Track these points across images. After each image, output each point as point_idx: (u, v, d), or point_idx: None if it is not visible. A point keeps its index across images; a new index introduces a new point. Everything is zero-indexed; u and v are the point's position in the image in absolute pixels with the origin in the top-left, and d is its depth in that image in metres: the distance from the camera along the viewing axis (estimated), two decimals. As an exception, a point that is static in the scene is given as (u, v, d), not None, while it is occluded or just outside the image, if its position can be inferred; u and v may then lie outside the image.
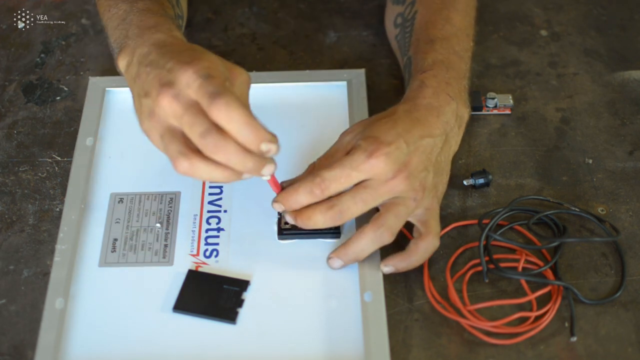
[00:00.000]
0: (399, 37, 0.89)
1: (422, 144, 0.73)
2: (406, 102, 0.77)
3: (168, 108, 0.66)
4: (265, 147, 0.65)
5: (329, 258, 0.75)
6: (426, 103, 0.76)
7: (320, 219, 0.72)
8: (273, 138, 0.65)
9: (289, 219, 0.74)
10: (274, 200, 0.73)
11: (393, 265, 0.74)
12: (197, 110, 0.65)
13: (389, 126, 0.73)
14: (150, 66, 0.69)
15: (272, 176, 0.71)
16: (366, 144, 0.72)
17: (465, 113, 0.79)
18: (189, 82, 0.65)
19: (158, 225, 0.79)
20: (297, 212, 0.73)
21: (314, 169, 0.75)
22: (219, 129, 0.65)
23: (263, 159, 0.66)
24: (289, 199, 0.72)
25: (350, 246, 0.73)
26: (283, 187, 0.74)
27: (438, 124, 0.75)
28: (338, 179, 0.71)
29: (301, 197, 0.72)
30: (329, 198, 0.72)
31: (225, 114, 0.64)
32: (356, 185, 0.72)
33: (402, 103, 0.77)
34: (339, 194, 0.72)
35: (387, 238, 0.73)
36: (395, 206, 0.72)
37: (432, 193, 0.74)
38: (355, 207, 0.72)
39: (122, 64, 0.74)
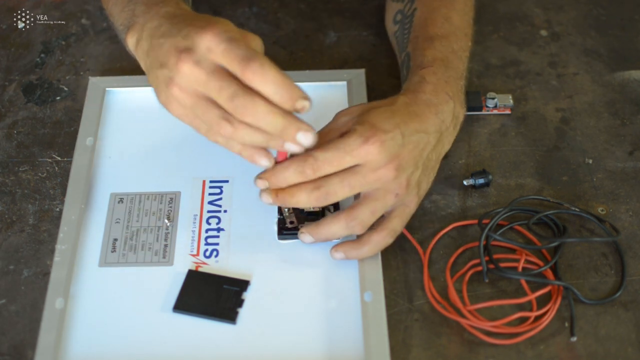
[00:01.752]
0: (398, 33, 0.89)
1: (416, 139, 0.73)
2: (406, 94, 0.76)
3: (190, 74, 0.65)
4: (300, 104, 0.66)
5: (300, 232, 0.75)
6: (426, 99, 0.76)
7: (304, 198, 0.71)
8: (306, 95, 0.66)
9: (266, 198, 0.72)
10: (258, 176, 0.71)
11: (344, 252, 0.74)
12: (223, 74, 0.65)
13: (388, 115, 0.73)
14: (164, 37, 0.68)
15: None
16: (363, 129, 0.71)
17: (461, 114, 0.79)
18: (210, 46, 0.65)
19: (167, 221, 0.79)
20: (279, 189, 0.72)
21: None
22: (248, 90, 0.65)
23: (296, 122, 0.66)
24: (277, 175, 0.71)
25: (322, 227, 0.74)
26: None
27: (435, 121, 0.75)
28: (331, 161, 0.70)
29: (291, 175, 0.70)
30: (312, 180, 0.71)
31: (260, 77, 0.64)
32: (346, 169, 0.71)
33: (403, 94, 0.77)
34: (327, 176, 0.71)
35: (358, 230, 0.73)
36: (373, 200, 0.72)
37: (415, 191, 0.74)
38: (342, 190, 0.71)
39: (131, 41, 0.73)
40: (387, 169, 0.71)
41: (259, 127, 0.66)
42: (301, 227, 0.75)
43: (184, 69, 0.66)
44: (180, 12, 0.71)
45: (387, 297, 0.74)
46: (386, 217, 0.74)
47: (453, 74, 0.79)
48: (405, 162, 0.72)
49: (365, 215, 0.73)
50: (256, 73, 0.64)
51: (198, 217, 0.80)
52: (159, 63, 0.68)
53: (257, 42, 0.69)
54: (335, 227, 0.73)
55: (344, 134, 0.72)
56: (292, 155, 0.71)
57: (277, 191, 0.72)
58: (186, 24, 0.67)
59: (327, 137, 0.73)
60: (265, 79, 0.65)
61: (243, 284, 0.75)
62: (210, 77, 0.65)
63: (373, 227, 0.74)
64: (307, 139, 0.67)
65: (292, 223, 0.78)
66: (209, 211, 0.80)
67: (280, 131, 0.66)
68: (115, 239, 0.78)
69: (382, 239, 0.74)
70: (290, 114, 0.67)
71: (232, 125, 0.66)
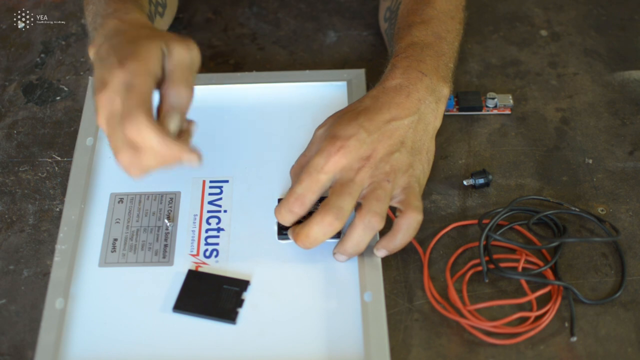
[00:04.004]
0: (387, 30, 0.89)
1: (387, 129, 0.74)
2: (375, 88, 0.78)
3: (101, 110, 0.68)
4: (187, 162, 0.68)
5: (334, 254, 0.76)
6: (395, 84, 0.77)
7: (320, 231, 0.72)
8: (191, 152, 0.68)
9: (292, 239, 0.75)
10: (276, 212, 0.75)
11: (383, 247, 0.74)
12: (116, 122, 0.67)
13: (351, 119, 0.74)
14: (100, 61, 0.70)
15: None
16: (325, 144, 0.73)
17: (443, 88, 0.78)
18: (116, 88, 0.67)
19: (167, 221, 0.79)
20: (295, 235, 0.74)
21: (293, 171, 0.78)
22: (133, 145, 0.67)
23: (179, 153, 0.68)
24: (277, 217, 0.75)
25: (346, 242, 0.74)
26: None
27: (408, 104, 0.76)
28: (310, 188, 0.73)
29: (286, 216, 0.74)
30: (320, 209, 0.72)
31: (136, 135, 0.66)
32: (333, 186, 0.73)
33: (372, 90, 0.78)
34: (325, 200, 0.73)
35: (377, 223, 0.73)
36: (372, 192, 0.73)
37: (408, 172, 0.74)
38: (345, 202, 0.72)
39: (91, 56, 0.74)
40: (365, 168, 0.73)
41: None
42: (333, 251, 0.76)
43: (98, 103, 0.68)
44: (122, 29, 0.72)
45: (387, 297, 0.74)
46: (400, 204, 0.74)
47: (430, 53, 0.79)
48: (381, 155, 0.73)
49: (373, 204, 0.72)
50: (132, 132, 0.66)
51: (198, 217, 0.80)
52: (95, 87, 0.69)
53: (181, 56, 0.69)
54: (356, 233, 0.73)
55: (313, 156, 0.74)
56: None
57: (294, 236, 0.74)
58: (115, 51, 0.69)
59: (308, 153, 0.76)
60: (142, 137, 0.66)
61: (243, 284, 0.75)
62: (108, 122, 0.68)
63: (397, 216, 0.74)
64: (193, 162, 0.69)
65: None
66: (209, 211, 0.80)
67: (169, 164, 0.68)
68: (115, 239, 0.78)
69: (411, 219, 0.73)
70: (172, 145, 0.67)
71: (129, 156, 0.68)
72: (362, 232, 0.73)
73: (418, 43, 0.80)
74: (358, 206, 0.74)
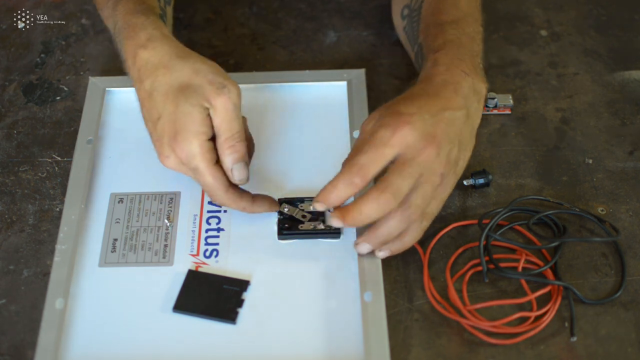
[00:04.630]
0: (407, 28, 0.89)
1: (444, 116, 0.72)
2: (421, 82, 0.76)
3: (176, 168, 0.76)
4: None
5: (356, 244, 0.74)
6: (441, 80, 0.75)
7: (374, 208, 0.70)
8: (269, 208, 0.78)
9: (336, 222, 0.71)
10: (315, 200, 0.72)
11: (387, 248, 0.74)
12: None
13: (409, 101, 0.72)
14: (145, 109, 0.76)
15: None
16: (388, 120, 0.71)
17: (482, 88, 0.77)
18: (181, 162, 0.74)
19: (167, 221, 0.79)
20: (345, 211, 0.71)
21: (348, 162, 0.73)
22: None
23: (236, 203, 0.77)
24: (328, 196, 0.71)
25: (380, 229, 0.72)
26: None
27: (457, 99, 0.74)
28: (374, 160, 0.70)
29: (341, 191, 0.70)
30: (377, 185, 0.70)
31: (217, 202, 0.77)
32: (393, 164, 0.70)
33: (418, 83, 0.76)
34: (384, 177, 0.70)
35: (416, 218, 0.72)
36: (422, 185, 0.71)
37: (454, 171, 0.73)
38: (405, 183, 0.70)
39: (126, 58, 0.78)
40: (430, 148, 0.70)
41: None
42: (356, 241, 0.74)
43: (168, 164, 0.76)
44: (152, 63, 0.75)
45: (387, 297, 0.74)
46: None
47: (467, 52, 0.78)
48: (442, 139, 0.71)
49: (418, 199, 0.71)
50: (215, 200, 0.77)
51: (198, 217, 0.80)
52: (149, 133, 0.77)
53: (227, 105, 0.73)
54: (392, 222, 0.71)
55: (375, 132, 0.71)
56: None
57: (343, 213, 0.71)
58: (159, 117, 0.75)
59: (362, 147, 0.72)
60: (220, 202, 0.76)
61: (243, 284, 0.75)
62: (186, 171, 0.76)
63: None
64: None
65: (304, 217, 0.78)
66: (209, 211, 0.80)
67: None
68: (115, 239, 0.78)
69: (420, 225, 0.73)
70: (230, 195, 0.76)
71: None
72: (399, 223, 0.71)
73: (454, 41, 0.79)
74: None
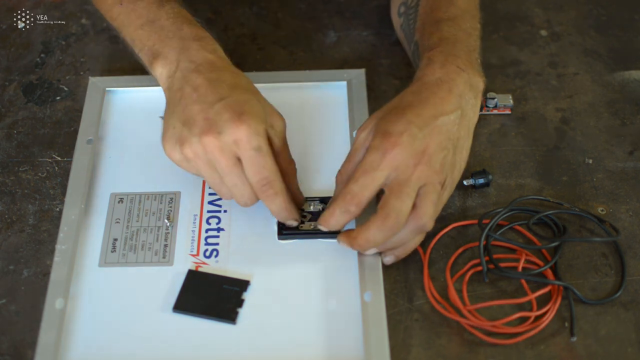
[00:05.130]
0: (404, 26, 0.89)
1: (437, 125, 0.72)
2: (414, 83, 0.76)
3: (209, 153, 0.72)
4: (289, 222, 0.76)
5: (383, 256, 0.75)
6: (435, 79, 0.75)
7: (379, 235, 0.71)
8: (297, 217, 0.76)
9: (345, 246, 0.74)
10: (318, 222, 0.74)
11: (392, 253, 0.74)
12: (239, 170, 0.73)
13: (398, 116, 0.73)
14: (197, 93, 0.73)
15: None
16: (378, 141, 0.71)
17: (479, 82, 0.77)
18: (238, 141, 0.71)
19: (167, 221, 0.79)
20: (352, 237, 0.73)
21: (340, 178, 0.75)
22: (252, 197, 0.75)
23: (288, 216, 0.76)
24: (329, 220, 0.73)
25: (397, 241, 0.73)
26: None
27: (451, 99, 0.74)
28: (366, 186, 0.71)
29: (339, 218, 0.73)
30: (379, 212, 0.71)
31: (270, 202, 0.74)
32: (390, 186, 0.71)
33: (410, 85, 0.76)
34: (384, 202, 0.71)
35: (429, 227, 0.72)
36: (427, 194, 0.71)
37: (452, 174, 0.74)
38: (405, 204, 0.71)
39: (160, 72, 0.77)
40: (421, 166, 0.71)
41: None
42: (383, 256, 0.75)
43: (207, 146, 0.72)
44: (218, 65, 0.76)
45: (387, 297, 0.74)
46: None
47: (463, 48, 0.78)
48: (433, 151, 0.72)
49: (430, 208, 0.72)
50: (268, 198, 0.73)
51: (198, 217, 0.80)
52: (184, 119, 0.73)
53: (280, 123, 0.75)
54: (405, 234, 0.73)
55: (365, 154, 0.72)
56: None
57: (350, 239, 0.73)
58: (221, 96, 0.72)
59: (355, 158, 0.74)
60: (273, 203, 0.74)
61: (243, 284, 0.75)
62: (227, 168, 0.72)
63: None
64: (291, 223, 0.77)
65: (304, 217, 0.78)
66: (209, 211, 0.80)
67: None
68: (115, 239, 0.78)
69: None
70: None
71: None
72: (412, 234, 0.73)
73: (449, 38, 0.79)
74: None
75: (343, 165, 0.76)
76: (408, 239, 0.73)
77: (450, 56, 0.77)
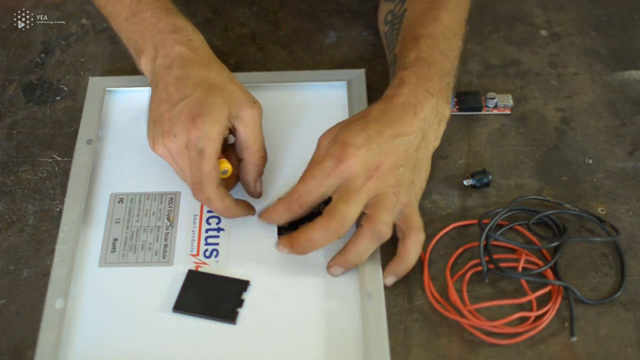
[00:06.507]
0: (388, 34, 0.89)
1: (394, 144, 0.74)
2: (383, 101, 0.77)
3: (172, 154, 0.75)
4: (241, 216, 0.77)
5: (328, 267, 0.75)
6: (403, 101, 0.76)
7: (322, 236, 0.72)
8: (241, 213, 0.77)
9: (283, 250, 0.74)
10: (259, 216, 0.76)
11: (393, 273, 0.74)
12: (187, 167, 0.75)
13: (360, 128, 0.74)
14: (165, 92, 0.76)
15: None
16: (335, 149, 0.73)
17: (446, 109, 0.78)
18: (187, 144, 0.74)
19: (167, 221, 0.79)
20: (293, 239, 0.73)
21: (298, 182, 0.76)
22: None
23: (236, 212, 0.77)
24: (270, 216, 0.75)
25: (350, 251, 0.74)
26: None
27: (414, 122, 0.75)
28: (313, 190, 0.73)
29: (282, 214, 0.75)
30: (324, 214, 0.72)
31: (204, 202, 0.75)
32: (339, 192, 0.72)
33: (379, 102, 0.77)
34: (330, 206, 0.72)
35: (386, 233, 0.73)
36: (380, 202, 0.73)
37: (410, 189, 0.75)
38: (351, 209, 0.72)
39: (144, 68, 0.80)
40: (372, 180, 0.72)
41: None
42: (329, 264, 0.75)
43: (167, 146, 0.75)
44: (190, 58, 0.77)
45: (387, 297, 0.74)
46: (402, 223, 0.74)
47: (437, 72, 0.79)
48: (387, 168, 0.73)
49: (383, 214, 0.72)
50: (201, 202, 0.76)
51: (198, 217, 0.80)
52: (154, 117, 0.77)
53: (251, 113, 0.76)
54: (362, 242, 0.73)
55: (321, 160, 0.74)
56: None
57: (291, 241, 0.73)
58: (185, 95, 0.75)
59: (317, 162, 0.75)
60: (207, 206, 0.76)
61: (243, 284, 0.75)
62: (185, 169, 0.75)
63: (399, 237, 0.75)
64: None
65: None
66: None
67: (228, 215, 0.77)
68: (115, 239, 0.78)
69: (416, 238, 0.74)
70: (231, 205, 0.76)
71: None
72: (369, 242, 0.73)
73: (426, 59, 0.79)
74: (362, 216, 0.73)
75: (305, 170, 0.75)
76: (368, 249, 0.73)
77: (422, 79, 0.77)
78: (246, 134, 0.76)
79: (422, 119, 0.76)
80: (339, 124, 0.77)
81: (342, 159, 0.72)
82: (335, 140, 0.74)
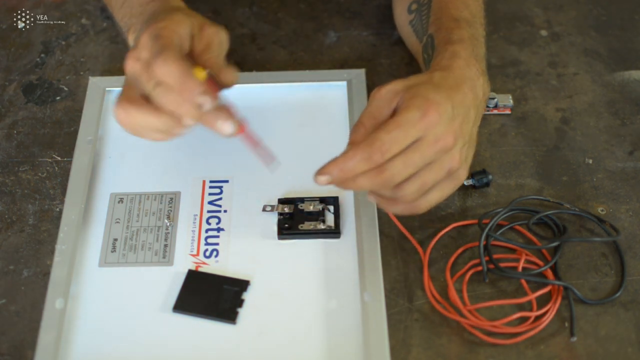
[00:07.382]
0: (415, 21, 0.88)
1: (462, 111, 0.71)
2: (441, 70, 0.74)
3: (130, 69, 0.70)
4: (200, 99, 0.66)
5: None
6: (460, 73, 0.74)
7: (367, 184, 0.68)
8: (206, 92, 0.66)
9: (323, 179, 0.67)
10: (319, 172, 0.68)
11: (403, 210, 0.72)
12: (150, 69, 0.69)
13: (434, 89, 0.70)
14: (154, 18, 0.72)
15: (245, 130, 0.70)
16: (418, 102, 0.69)
17: (488, 91, 0.77)
18: (144, 44, 0.69)
19: (167, 221, 0.79)
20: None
21: (359, 130, 0.70)
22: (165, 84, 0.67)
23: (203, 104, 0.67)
24: (342, 167, 0.67)
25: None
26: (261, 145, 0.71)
27: (471, 96, 0.73)
28: (398, 139, 0.67)
29: (357, 164, 0.67)
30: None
31: (163, 69, 0.67)
32: (405, 149, 0.68)
33: (438, 70, 0.74)
34: (389, 159, 0.68)
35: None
36: (425, 173, 0.69)
37: (465, 165, 0.73)
38: (406, 171, 0.68)
39: (130, 42, 0.79)
40: (446, 139, 0.69)
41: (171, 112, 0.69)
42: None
43: (128, 66, 0.70)
44: (162, 8, 0.75)
45: (387, 297, 0.74)
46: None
47: (480, 53, 0.78)
48: (459, 133, 0.70)
49: (413, 188, 0.69)
50: (159, 66, 0.67)
51: (198, 217, 0.80)
52: (150, 22, 0.72)
53: (216, 38, 0.73)
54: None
55: (400, 112, 0.69)
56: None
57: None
58: (148, 23, 0.72)
59: (378, 115, 0.70)
60: (167, 71, 0.67)
61: (243, 284, 0.75)
62: (141, 72, 0.68)
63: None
64: (206, 103, 0.67)
65: (286, 224, 0.78)
66: (209, 211, 0.80)
67: (186, 112, 0.68)
68: (115, 239, 0.78)
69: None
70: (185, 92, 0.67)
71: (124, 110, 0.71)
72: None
73: (470, 39, 0.78)
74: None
75: (360, 119, 0.70)
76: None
77: (471, 57, 0.76)
78: (209, 32, 0.73)
79: (475, 95, 0.74)
80: (398, 81, 0.71)
81: (428, 111, 0.68)
82: (411, 95, 0.69)
